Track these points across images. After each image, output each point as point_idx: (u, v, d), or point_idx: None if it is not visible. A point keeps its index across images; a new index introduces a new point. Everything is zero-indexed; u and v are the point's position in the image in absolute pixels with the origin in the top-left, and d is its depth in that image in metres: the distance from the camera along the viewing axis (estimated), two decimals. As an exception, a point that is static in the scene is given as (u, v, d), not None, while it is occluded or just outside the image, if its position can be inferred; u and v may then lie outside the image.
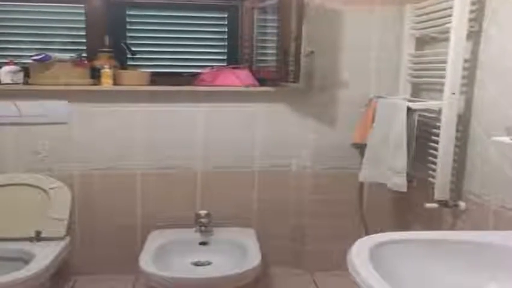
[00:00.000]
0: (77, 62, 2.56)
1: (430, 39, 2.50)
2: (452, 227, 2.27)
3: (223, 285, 2.20)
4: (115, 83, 2.58)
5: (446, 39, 2.13)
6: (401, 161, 2.30)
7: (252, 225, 2.81)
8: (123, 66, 2.72)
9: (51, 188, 2.57)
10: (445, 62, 2.12)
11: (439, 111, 2.18)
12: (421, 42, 2.58)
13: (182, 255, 2.50)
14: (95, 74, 2.60)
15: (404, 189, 2.31)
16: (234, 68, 2.73)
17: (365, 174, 2.58)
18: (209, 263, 2.50)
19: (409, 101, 2.40)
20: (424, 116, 2.38)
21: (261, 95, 2.71)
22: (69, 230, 2.60)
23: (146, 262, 2.24)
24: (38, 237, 2.48)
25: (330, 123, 2.77)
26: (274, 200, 2.83)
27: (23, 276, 2.11)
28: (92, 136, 2.66)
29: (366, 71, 2.74)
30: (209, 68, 2.74)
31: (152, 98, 2.65)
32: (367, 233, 2.70)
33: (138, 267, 2.22)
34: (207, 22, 2.82)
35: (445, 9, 2.21)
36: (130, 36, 2.77)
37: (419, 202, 2.26)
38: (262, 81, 2.70)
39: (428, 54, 2.50)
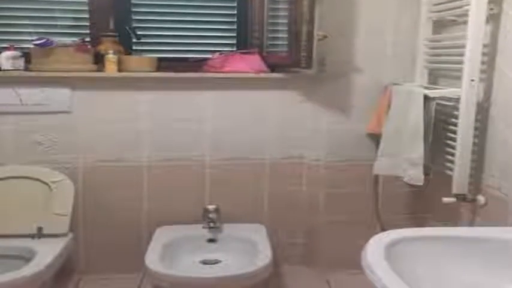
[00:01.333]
0: (79, 47, 2.57)
1: (448, 23, 2.48)
2: (470, 223, 2.26)
3: (233, 285, 2.20)
4: (120, 69, 2.58)
5: (465, 23, 2.11)
6: (417, 152, 2.30)
7: (263, 221, 2.81)
8: (128, 51, 2.73)
9: (53, 182, 2.55)
10: (463, 46, 2.10)
11: (458, 99, 2.16)
12: (439, 26, 2.56)
13: (190, 253, 2.51)
14: (99, 60, 2.60)
15: (421, 183, 2.31)
16: (243, 53, 2.72)
17: (380, 167, 2.58)
18: (217, 262, 2.50)
19: (426, 88, 2.39)
20: (442, 104, 2.37)
21: (272, 82, 2.71)
22: (72, 226, 2.57)
23: (152, 260, 2.25)
24: (39, 234, 2.46)
25: (344, 111, 2.75)
26: (286, 194, 2.84)
27: (24, 275, 2.08)
28: (95, 126, 2.66)
29: (381, 57, 2.72)
30: (218, 53, 2.73)
31: (158, 85, 2.66)
32: (382, 229, 2.70)
33: (144, 265, 2.23)
34: (216, 4, 2.82)
35: (464, -10, 2.19)
36: (136, 20, 2.76)
37: (436, 196, 2.26)
38: (273, 67, 2.70)
39: (446, 38, 2.49)
